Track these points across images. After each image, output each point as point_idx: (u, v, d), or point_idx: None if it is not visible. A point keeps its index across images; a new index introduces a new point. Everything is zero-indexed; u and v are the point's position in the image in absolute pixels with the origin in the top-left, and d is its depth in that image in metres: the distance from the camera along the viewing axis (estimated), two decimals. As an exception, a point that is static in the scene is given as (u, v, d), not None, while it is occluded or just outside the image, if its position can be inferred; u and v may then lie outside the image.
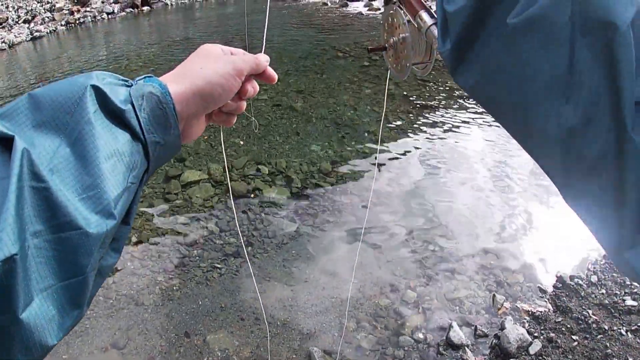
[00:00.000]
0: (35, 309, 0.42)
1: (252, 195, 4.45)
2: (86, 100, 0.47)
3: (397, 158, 5.22)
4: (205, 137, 5.37)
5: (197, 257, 3.73)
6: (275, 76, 0.76)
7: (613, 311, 3.24)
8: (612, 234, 0.43)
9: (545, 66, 0.42)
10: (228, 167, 4.81)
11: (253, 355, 2.96)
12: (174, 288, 3.45)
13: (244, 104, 0.75)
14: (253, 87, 0.72)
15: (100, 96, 0.49)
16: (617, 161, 0.37)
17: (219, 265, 3.64)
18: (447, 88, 7.06)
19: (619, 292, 3.39)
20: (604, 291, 3.43)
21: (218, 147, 5.19)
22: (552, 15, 0.40)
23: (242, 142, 5.26)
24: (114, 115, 0.50)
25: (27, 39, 12.23)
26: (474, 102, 6.71)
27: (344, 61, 8.30)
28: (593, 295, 3.40)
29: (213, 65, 0.63)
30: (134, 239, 3.84)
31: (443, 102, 6.65)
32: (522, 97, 0.45)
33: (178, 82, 0.59)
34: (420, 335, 3.11)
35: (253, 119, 5.25)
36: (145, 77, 0.58)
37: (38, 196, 0.42)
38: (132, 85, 0.55)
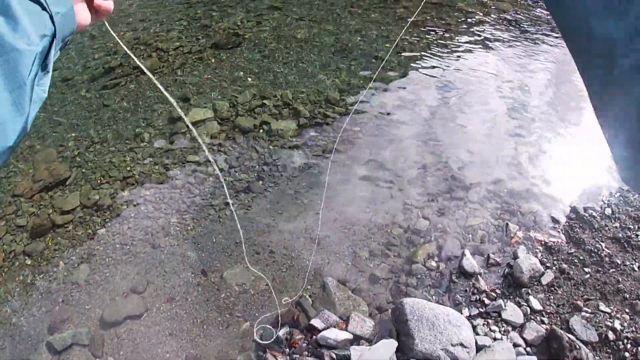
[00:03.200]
0: None
1: (260, 130, 4.38)
2: None
3: (409, 85, 5.05)
4: (208, 76, 5.22)
5: (209, 195, 3.73)
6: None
7: (626, 245, 3.21)
8: (634, 147, 0.45)
9: None
10: (232, 103, 4.70)
11: (269, 288, 3.02)
12: (188, 228, 3.47)
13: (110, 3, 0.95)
14: None
15: None
16: None
17: (231, 202, 3.65)
18: (460, 13, 6.72)
19: (632, 227, 3.35)
20: (617, 225, 3.39)
21: (222, 84, 5.06)
22: None
23: (254, 83, 5.10)
24: None
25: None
26: (488, 27, 6.41)
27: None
28: (607, 228, 3.36)
29: None
30: (144, 184, 3.84)
31: (455, 27, 6.34)
32: (583, 10, 0.47)
33: None
34: (433, 264, 3.14)
35: None
36: None
37: None
38: None
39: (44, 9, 0.73)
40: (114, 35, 1.18)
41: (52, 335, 2.79)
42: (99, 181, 3.85)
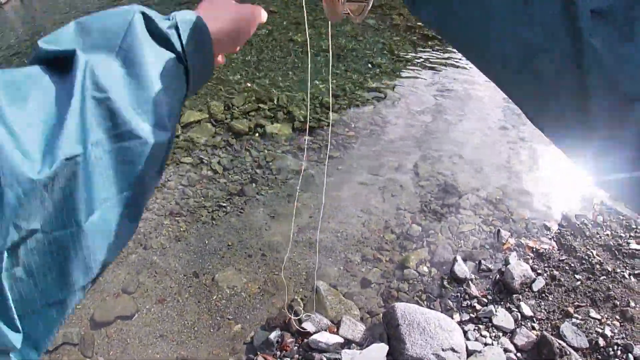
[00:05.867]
0: (97, 220, 0.42)
1: (254, 133, 4.39)
2: (136, 24, 0.48)
3: (402, 90, 5.09)
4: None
5: (202, 197, 3.73)
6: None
7: (617, 253, 3.25)
8: (584, 146, 0.44)
9: None
10: (227, 106, 4.71)
11: (261, 291, 3.02)
12: (181, 229, 3.47)
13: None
14: None
15: (148, 21, 0.50)
16: (578, 71, 0.38)
17: (224, 204, 3.65)
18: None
19: (624, 235, 3.39)
20: (608, 232, 3.42)
21: (217, 85, 5.06)
22: None
23: (249, 84, 5.10)
24: (160, 38, 0.51)
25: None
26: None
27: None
28: (598, 236, 3.39)
29: (235, 8, 0.67)
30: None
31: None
32: (484, 25, 0.44)
33: (209, 20, 0.60)
34: (425, 269, 3.15)
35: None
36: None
37: (99, 106, 0.42)
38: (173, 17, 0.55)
39: (179, 59, 0.53)
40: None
41: (41, 335, 2.76)
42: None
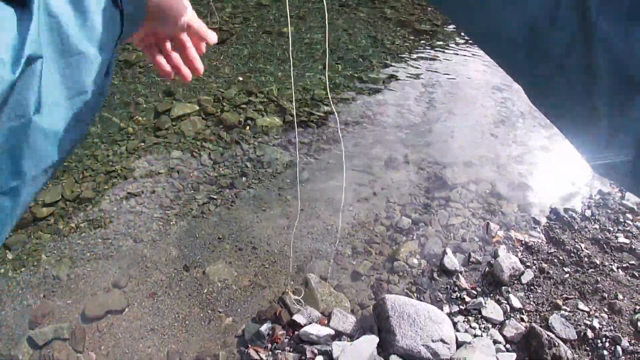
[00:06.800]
0: (45, 118, 0.51)
1: (245, 126, 4.37)
2: None
3: (393, 84, 5.09)
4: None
5: (192, 191, 3.71)
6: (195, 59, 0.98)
7: (605, 247, 3.29)
8: (585, 128, 0.43)
9: None
10: (218, 99, 4.69)
11: (252, 284, 3.02)
12: (171, 222, 3.46)
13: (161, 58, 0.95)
14: (175, 60, 0.96)
15: None
16: (584, 50, 0.38)
17: (214, 197, 3.64)
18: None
19: (612, 229, 3.43)
20: (597, 226, 3.46)
21: (208, 78, 5.03)
22: None
23: (240, 78, 5.08)
24: None
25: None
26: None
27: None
28: (586, 230, 3.43)
29: None
30: (127, 178, 3.81)
31: (441, 27, 6.40)
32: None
33: None
34: (415, 261, 3.18)
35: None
36: None
37: (52, 28, 0.52)
38: None
39: (115, 5, 0.64)
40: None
41: (33, 330, 2.75)
42: (81, 175, 3.80)
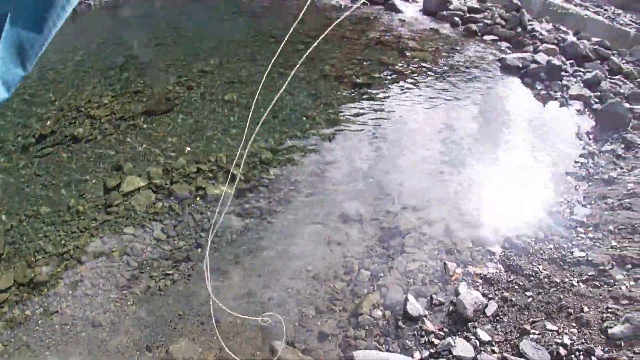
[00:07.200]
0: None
1: (196, 197, 4.35)
2: None
3: (338, 139, 5.24)
4: (142, 143, 5.17)
5: (148, 268, 3.62)
6: None
7: (563, 264, 3.41)
8: None
9: None
10: (167, 170, 4.67)
11: (218, 358, 2.93)
12: (129, 303, 3.34)
13: None
14: None
15: None
16: None
17: (170, 272, 3.56)
18: (383, 65, 7.13)
19: (566, 245, 3.57)
20: (552, 246, 3.60)
21: (155, 150, 5.02)
22: None
23: (188, 148, 5.08)
24: None
25: None
26: (413, 76, 6.82)
27: (276, 46, 8.15)
28: (542, 251, 3.56)
29: None
30: (80, 259, 3.68)
31: (379, 79, 6.71)
32: None
33: None
34: (379, 313, 3.19)
35: None
36: None
37: None
38: None
39: None
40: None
41: None
42: (33, 258, 3.66)
